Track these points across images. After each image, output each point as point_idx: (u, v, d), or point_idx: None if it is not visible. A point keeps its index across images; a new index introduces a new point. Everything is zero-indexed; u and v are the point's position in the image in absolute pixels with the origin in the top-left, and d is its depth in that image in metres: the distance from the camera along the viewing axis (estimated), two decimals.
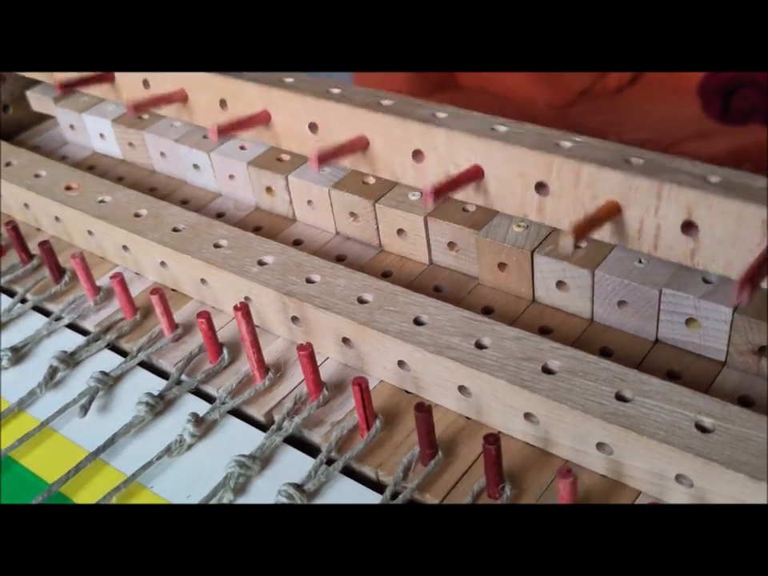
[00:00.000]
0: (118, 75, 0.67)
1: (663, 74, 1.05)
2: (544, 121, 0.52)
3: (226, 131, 0.56)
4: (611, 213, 0.45)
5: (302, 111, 0.57)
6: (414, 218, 0.58)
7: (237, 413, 0.52)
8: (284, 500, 0.46)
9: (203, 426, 0.51)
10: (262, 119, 0.59)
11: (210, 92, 0.62)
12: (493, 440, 0.42)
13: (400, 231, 0.59)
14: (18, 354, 0.58)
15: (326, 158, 0.51)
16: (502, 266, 0.55)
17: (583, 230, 0.43)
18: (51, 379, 0.55)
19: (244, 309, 0.50)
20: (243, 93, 0.60)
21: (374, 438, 0.48)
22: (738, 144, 0.97)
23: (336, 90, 0.57)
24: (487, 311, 0.55)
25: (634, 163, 0.46)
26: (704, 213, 0.43)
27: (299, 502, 0.46)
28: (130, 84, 0.66)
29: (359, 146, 0.54)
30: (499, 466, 0.43)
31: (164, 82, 0.64)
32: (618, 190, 0.45)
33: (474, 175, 0.50)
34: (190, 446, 0.50)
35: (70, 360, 0.56)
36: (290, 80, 0.59)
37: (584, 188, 0.46)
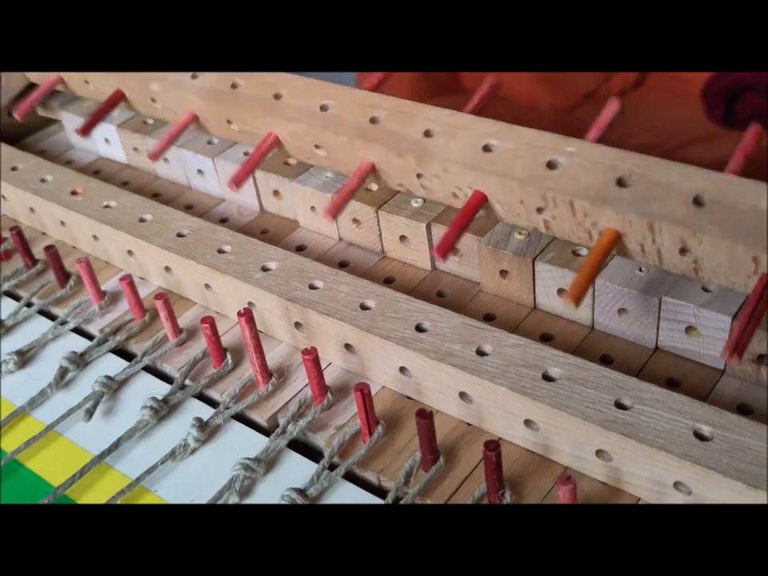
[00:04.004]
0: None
1: (667, 78, 1.05)
2: (548, 124, 0.53)
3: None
4: (612, 242, 0.46)
5: None
6: (416, 225, 0.58)
7: (240, 418, 0.53)
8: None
9: (207, 431, 0.51)
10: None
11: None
12: (493, 446, 0.42)
13: (402, 238, 0.60)
14: (24, 357, 0.59)
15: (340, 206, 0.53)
16: (503, 273, 0.55)
17: (582, 290, 0.45)
18: (62, 379, 0.56)
19: (248, 314, 0.50)
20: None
21: (376, 444, 0.49)
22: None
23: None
24: (489, 318, 0.55)
25: (627, 184, 0.46)
26: (696, 245, 0.44)
27: None
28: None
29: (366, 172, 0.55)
30: (499, 471, 0.44)
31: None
32: (614, 221, 0.46)
33: (479, 202, 0.51)
34: (193, 451, 0.51)
35: (80, 360, 0.57)
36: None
37: (582, 216, 0.47)
